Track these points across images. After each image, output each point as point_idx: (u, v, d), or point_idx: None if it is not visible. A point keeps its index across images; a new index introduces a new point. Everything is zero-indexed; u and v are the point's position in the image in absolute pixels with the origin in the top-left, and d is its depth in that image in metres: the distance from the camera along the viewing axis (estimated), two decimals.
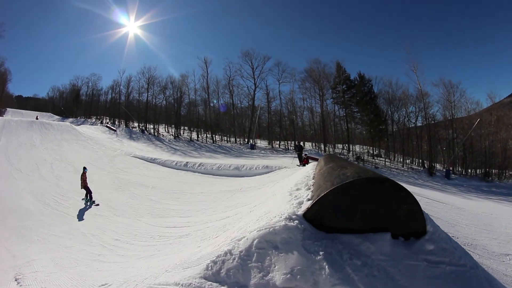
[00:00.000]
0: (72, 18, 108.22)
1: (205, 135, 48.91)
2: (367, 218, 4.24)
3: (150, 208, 11.40)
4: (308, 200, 4.86)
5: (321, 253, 3.71)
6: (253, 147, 41.53)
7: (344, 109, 47.06)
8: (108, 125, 49.07)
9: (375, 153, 45.67)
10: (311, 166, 13.17)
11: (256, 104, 48.01)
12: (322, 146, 44.55)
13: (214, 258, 3.64)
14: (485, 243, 9.30)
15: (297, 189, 6.41)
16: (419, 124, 45.48)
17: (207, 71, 50.14)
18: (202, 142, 45.37)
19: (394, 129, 47.05)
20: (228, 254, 3.68)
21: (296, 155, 24.53)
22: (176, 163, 23.09)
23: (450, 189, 31.52)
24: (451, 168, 40.66)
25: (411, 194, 4.45)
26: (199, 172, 20.74)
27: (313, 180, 7.00)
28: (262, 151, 40.07)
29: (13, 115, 47.46)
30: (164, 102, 53.87)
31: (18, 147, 21.39)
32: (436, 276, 3.80)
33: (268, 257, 3.63)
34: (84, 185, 12.52)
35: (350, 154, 43.13)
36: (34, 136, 25.63)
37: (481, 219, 13.88)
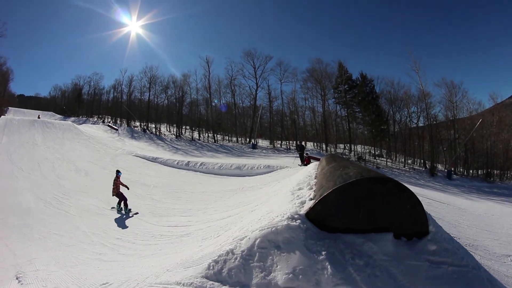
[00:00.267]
0: (74, 18, 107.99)
1: (206, 134, 48.89)
2: (370, 218, 4.24)
3: (152, 207, 11.42)
4: (311, 199, 4.84)
5: (323, 253, 3.71)
6: (254, 146, 41.55)
7: (345, 109, 47.02)
8: (110, 124, 49.16)
9: (376, 153, 45.62)
10: (313, 166, 13.16)
11: (258, 104, 48.09)
12: (324, 146, 44.51)
13: (215, 258, 3.64)
14: (487, 244, 9.32)
15: (299, 189, 6.39)
16: (421, 124, 45.38)
17: (209, 70, 50.07)
18: (203, 142, 45.38)
19: (396, 129, 47.04)
20: (230, 254, 3.68)
21: (298, 155, 24.54)
22: (177, 163, 23.11)
23: (452, 189, 31.46)
24: (452, 169, 40.58)
25: (414, 195, 4.49)
26: (200, 172, 20.75)
27: (315, 180, 6.96)
28: (264, 151, 40.07)
29: (15, 114, 47.40)
30: (166, 101, 53.90)
31: (20, 146, 21.41)
32: (438, 276, 3.80)
33: (270, 257, 3.62)
34: (117, 191, 11.63)
35: (352, 154, 43.09)
36: (36, 135, 25.67)
37: (483, 220, 13.88)
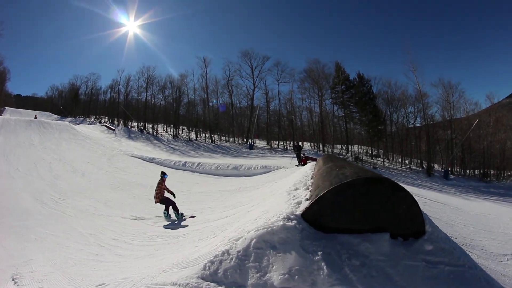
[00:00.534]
0: (72, 18, 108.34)
1: (204, 135, 48.97)
2: (366, 218, 4.23)
3: (148, 208, 11.36)
4: (307, 200, 4.87)
5: (319, 253, 3.71)
6: (251, 147, 41.67)
7: (343, 110, 47.19)
8: (106, 124, 48.97)
9: (373, 153, 45.80)
10: (310, 166, 13.18)
11: (255, 104, 48.38)
12: (321, 146, 44.73)
13: (211, 258, 3.65)
14: (483, 244, 9.30)
15: (296, 189, 6.41)
16: (417, 124, 45.91)
17: (206, 71, 50.33)
18: (200, 142, 45.46)
19: (393, 130, 47.30)
20: (226, 254, 3.69)
21: (295, 155, 24.57)
22: (174, 163, 23.23)
23: (449, 189, 31.67)
24: (449, 169, 40.83)
25: (410, 195, 4.47)
26: (197, 172, 20.85)
27: (311, 180, 6.98)
28: (261, 151, 40.20)
29: (11, 114, 47.36)
30: (163, 101, 54.01)
31: (16, 146, 21.33)
32: (434, 276, 3.80)
33: (266, 257, 3.63)
34: (161, 197, 10.48)
35: (349, 154, 43.25)
36: (32, 135, 25.59)
37: (479, 220, 13.90)
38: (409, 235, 4.35)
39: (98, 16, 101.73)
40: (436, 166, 43.04)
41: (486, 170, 41.91)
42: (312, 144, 46.58)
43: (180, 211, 10.25)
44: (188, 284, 3.48)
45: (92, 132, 39.01)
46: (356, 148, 46.32)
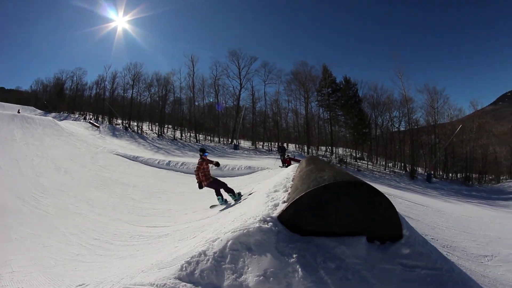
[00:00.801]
0: (60, 11, 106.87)
1: (189, 134, 48.73)
2: (343, 221, 4.25)
3: (131, 207, 11.29)
4: (284, 202, 4.93)
5: (294, 255, 3.75)
6: (236, 147, 41.78)
7: (328, 112, 47.67)
8: (91, 121, 48.45)
9: (358, 156, 46.33)
10: (292, 167, 13.14)
11: (241, 104, 48.48)
12: (306, 148, 45.17)
13: (188, 259, 3.67)
14: (464, 245, 9.46)
15: (275, 191, 6.46)
16: (402, 128, 46.85)
17: (193, 69, 50.28)
18: (185, 141, 45.42)
19: (378, 133, 48.11)
20: (203, 255, 3.71)
21: (279, 156, 24.71)
22: (158, 162, 23.07)
23: (431, 192, 32.36)
24: (432, 172, 41.70)
25: (387, 199, 4.45)
26: (181, 172, 20.77)
27: (291, 182, 7.06)
28: (246, 152, 40.31)
29: None
30: (149, 99, 53.69)
31: None
32: (411, 279, 3.83)
33: (242, 259, 3.65)
34: (209, 179, 9.60)
35: (333, 156, 43.60)
36: (15, 131, 25.28)
37: (461, 222, 14.14)
38: (386, 239, 4.35)
39: (87, 10, 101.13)
40: (420, 170, 43.85)
41: (468, 174, 43.00)
42: (297, 146, 47.09)
43: (235, 191, 9.74)
44: (165, 284, 3.49)
45: (76, 128, 38.58)
46: (340, 151, 46.79)
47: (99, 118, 53.13)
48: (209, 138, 49.11)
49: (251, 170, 20.01)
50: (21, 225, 8.85)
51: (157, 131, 48.50)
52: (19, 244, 7.41)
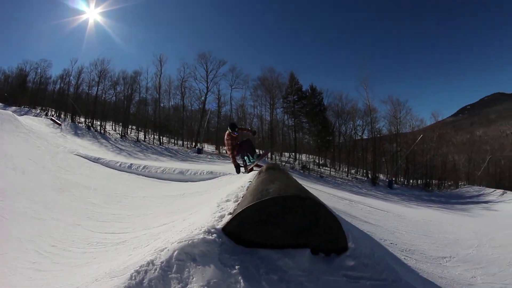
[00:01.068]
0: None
1: (152, 136, 48.41)
2: (287, 234, 4.31)
3: (90, 212, 11.02)
4: (230, 214, 5.04)
5: (237, 267, 3.79)
6: (200, 151, 42.12)
7: (293, 119, 48.67)
8: (53, 118, 46.88)
9: (321, 162, 47.46)
10: (251, 175, 13.12)
11: (207, 108, 48.57)
12: (269, 154, 45.59)
13: (138, 268, 3.70)
14: (424, 248, 10.08)
15: (227, 201, 6.52)
16: (365, 137, 48.54)
17: (161, 70, 50.34)
18: (148, 144, 45.23)
19: (341, 141, 49.70)
20: (151, 264, 3.76)
21: (242, 162, 25.00)
22: (120, 164, 22.76)
23: (392, 198, 33.89)
24: (393, 179, 43.61)
25: (332, 212, 4.74)
26: (143, 175, 20.68)
27: (244, 192, 7.10)
28: (209, 156, 40.61)
29: None
30: (114, 98, 52.61)
31: None
32: None
33: (187, 269, 3.75)
34: (237, 152, 9.38)
35: (297, 163, 44.41)
36: None
37: (421, 226, 14.98)
38: (332, 251, 4.46)
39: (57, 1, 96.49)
40: (381, 176, 45.69)
41: (428, 180, 45.52)
42: (261, 152, 47.09)
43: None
44: None
45: (37, 125, 37.42)
46: (304, 157, 47.81)
47: (62, 115, 51.18)
48: (173, 141, 48.78)
49: (213, 175, 20.12)
50: None
51: (120, 132, 47.71)
52: None
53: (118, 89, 52.04)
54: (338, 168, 48.14)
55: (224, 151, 45.63)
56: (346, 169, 47.67)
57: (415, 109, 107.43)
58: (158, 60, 50.21)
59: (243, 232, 4.45)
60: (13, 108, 51.90)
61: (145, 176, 20.54)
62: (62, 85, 55.87)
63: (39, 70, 58.55)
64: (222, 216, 5.01)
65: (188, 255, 3.93)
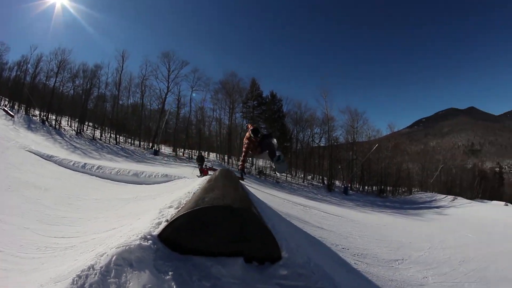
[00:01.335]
0: None
1: (109, 134, 46.61)
2: (221, 242, 4.63)
3: (40, 214, 10.64)
4: (167, 221, 5.16)
5: (170, 273, 4.03)
6: (156, 153, 41.70)
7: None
8: (6, 108, 43.73)
9: None
10: (202, 179, 13.61)
11: (166, 108, 48.06)
12: (227, 158, 46.34)
13: (79, 273, 3.69)
14: (376, 252, 10.51)
15: (169, 207, 6.65)
16: (322, 144, 49.73)
17: (122, 66, 48.51)
18: (104, 142, 43.72)
19: (298, 147, 50.64)
20: (91, 269, 3.82)
21: (198, 166, 25.30)
22: (73, 164, 22.28)
23: (348, 203, 34.99)
24: (349, 185, 45.21)
25: (263, 222, 5.07)
26: (96, 176, 20.36)
27: (188, 199, 7.19)
28: (165, 158, 40.24)
29: None
30: (72, 91, 49.73)
31: None
32: None
33: (124, 274, 3.87)
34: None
35: (253, 168, 44.88)
36: None
37: (375, 230, 15.59)
38: (265, 260, 4.70)
39: None
40: (337, 183, 46.97)
41: (383, 187, 47.25)
42: (218, 156, 47.91)
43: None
44: None
45: None
46: (261, 162, 48.29)
47: (15, 106, 47.16)
48: (129, 141, 47.50)
49: (167, 179, 20.23)
50: None
51: (76, 128, 45.62)
52: None
53: (77, 82, 49.16)
54: (294, 174, 49.00)
55: (181, 154, 45.94)
56: (302, 175, 48.63)
57: (373, 120, 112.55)
58: (121, 55, 48.58)
59: (178, 239, 4.62)
60: None
61: (99, 177, 20.19)
62: (18, 72, 50.19)
63: None
64: (159, 223, 5.19)
65: (126, 260, 4.05)
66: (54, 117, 45.99)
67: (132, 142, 47.32)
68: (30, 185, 15.11)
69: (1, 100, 48.68)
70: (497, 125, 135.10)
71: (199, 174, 22.87)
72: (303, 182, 46.04)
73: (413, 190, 52.22)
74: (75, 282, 3.63)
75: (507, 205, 43.02)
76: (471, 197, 49.03)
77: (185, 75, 48.95)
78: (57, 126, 44.26)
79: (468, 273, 10.01)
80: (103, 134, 46.39)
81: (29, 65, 48.71)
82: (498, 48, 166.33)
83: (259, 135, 8.39)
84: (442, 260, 11.21)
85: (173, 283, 3.90)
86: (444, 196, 45.82)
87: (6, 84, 50.93)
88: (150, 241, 4.49)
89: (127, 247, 4.23)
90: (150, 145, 46.13)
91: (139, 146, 46.08)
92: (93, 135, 45.23)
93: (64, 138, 39.79)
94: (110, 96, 49.97)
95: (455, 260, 11.23)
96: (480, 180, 58.11)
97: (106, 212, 11.61)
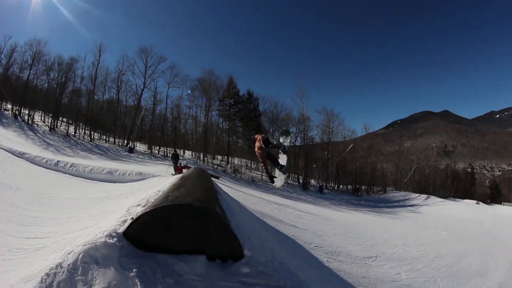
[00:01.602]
0: None
1: (83, 131, 45.45)
2: (184, 240, 4.75)
3: (11, 214, 10.20)
4: (132, 218, 5.20)
5: (134, 270, 4.12)
6: (131, 150, 41.15)
7: (228, 122, 49.24)
8: None
9: (253, 166, 48.39)
10: (175, 178, 13.71)
11: (142, 105, 47.42)
12: (202, 156, 45.99)
13: (48, 271, 3.81)
14: (350, 249, 10.78)
15: (138, 205, 6.72)
16: (298, 143, 50.10)
17: (99, 59, 47.34)
18: (78, 139, 42.62)
19: None
20: (59, 267, 3.89)
21: (172, 164, 25.33)
22: (46, 161, 21.71)
23: (322, 202, 35.31)
24: (324, 184, 45.88)
25: (224, 221, 5.16)
26: (70, 174, 19.91)
27: (155, 197, 7.21)
28: (140, 156, 39.87)
29: None
30: (46, 85, 47.85)
31: None
32: None
33: (91, 271, 3.94)
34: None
35: (229, 166, 45.15)
36: None
37: (349, 228, 15.79)
38: (228, 258, 4.87)
39: None
40: (312, 181, 47.54)
41: (357, 186, 48.26)
42: (194, 154, 47.77)
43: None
44: None
45: None
46: (236, 161, 48.67)
47: None
48: (104, 138, 46.63)
49: (142, 177, 20.03)
50: None
51: (49, 124, 44.15)
52: None
53: (52, 75, 47.26)
54: None
55: (156, 151, 45.82)
56: None
57: (348, 121, 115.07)
58: (98, 48, 47.28)
59: (142, 237, 4.72)
60: None
61: (72, 175, 19.74)
62: None
63: None
64: (125, 221, 5.28)
65: (92, 258, 4.11)
66: (27, 112, 44.34)
67: (107, 139, 46.38)
68: (1, 184, 14.50)
69: None
70: (470, 128, 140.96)
71: (173, 172, 22.80)
72: None
73: (388, 189, 53.60)
74: (43, 281, 3.72)
75: (478, 203, 45.09)
76: (444, 196, 51.19)
77: (162, 71, 48.60)
78: (30, 122, 42.76)
79: (440, 268, 10.60)
80: (77, 131, 45.09)
81: (2, 56, 46.11)
82: (471, 53, 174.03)
83: (269, 146, 8.61)
84: (415, 256, 11.72)
85: (137, 280, 3.99)
86: (418, 195, 47.15)
87: None
88: (115, 239, 4.58)
89: (93, 245, 4.30)
90: (125, 142, 45.43)
91: (114, 143, 45.21)
92: (67, 131, 43.84)
93: (37, 134, 38.45)
94: (86, 91, 48.56)
95: (428, 256, 11.78)
96: (452, 180, 60.87)
97: (78, 212, 11.34)
